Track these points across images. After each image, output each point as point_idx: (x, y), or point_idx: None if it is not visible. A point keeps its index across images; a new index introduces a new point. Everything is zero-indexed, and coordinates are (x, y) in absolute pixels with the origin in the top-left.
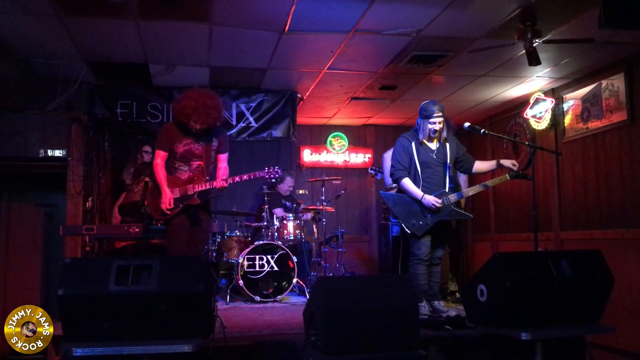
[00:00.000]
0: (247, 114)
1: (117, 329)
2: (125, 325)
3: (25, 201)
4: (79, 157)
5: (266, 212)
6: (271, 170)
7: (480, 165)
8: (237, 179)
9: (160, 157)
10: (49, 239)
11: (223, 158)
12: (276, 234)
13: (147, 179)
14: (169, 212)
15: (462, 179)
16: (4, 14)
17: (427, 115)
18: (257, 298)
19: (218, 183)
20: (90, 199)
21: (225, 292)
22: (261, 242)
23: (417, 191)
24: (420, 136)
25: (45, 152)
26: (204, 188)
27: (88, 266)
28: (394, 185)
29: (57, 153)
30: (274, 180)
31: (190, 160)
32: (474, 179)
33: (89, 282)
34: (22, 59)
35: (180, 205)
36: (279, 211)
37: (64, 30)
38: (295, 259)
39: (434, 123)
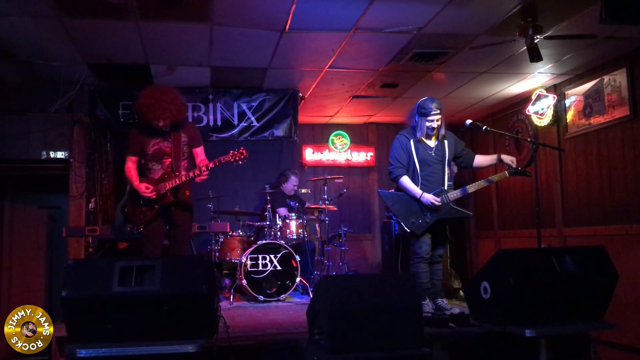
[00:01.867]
0: (249, 114)
1: (120, 329)
2: (128, 326)
3: (29, 203)
4: (81, 159)
5: (269, 212)
6: (236, 152)
7: (480, 160)
8: (203, 168)
9: (131, 162)
10: (52, 240)
11: (199, 152)
12: (279, 233)
13: None
14: (152, 195)
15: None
16: (5, 16)
17: (424, 113)
18: (261, 297)
19: (192, 173)
20: (92, 200)
21: (228, 291)
22: (264, 241)
23: (416, 189)
24: (418, 134)
25: (48, 154)
26: (175, 184)
27: (91, 267)
28: None
29: (60, 155)
30: (240, 162)
31: (161, 158)
32: (477, 173)
33: (92, 283)
34: (24, 61)
35: (156, 207)
36: (282, 210)
37: (65, 32)
38: (298, 258)
39: (432, 121)
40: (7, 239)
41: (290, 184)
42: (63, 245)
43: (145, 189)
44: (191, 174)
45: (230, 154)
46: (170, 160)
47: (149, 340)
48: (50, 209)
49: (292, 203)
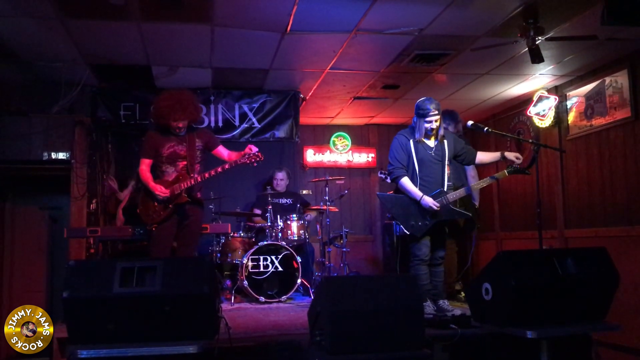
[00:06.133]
0: (250, 115)
1: (122, 330)
2: (130, 327)
3: (30, 204)
4: (83, 160)
5: (270, 213)
6: (252, 155)
7: (483, 157)
8: (219, 169)
9: (145, 164)
10: (54, 241)
11: (221, 150)
12: (280, 234)
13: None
14: (166, 194)
15: (471, 174)
16: (7, 17)
17: (423, 114)
18: (262, 298)
19: (200, 177)
20: (94, 201)
21: (229, 293)
22: (265, 242)
23: (416, 191)
24: (417, 135)
25: (49, 155)
26: (189, 185)
27: (92, 268)
28: None
29: (61, 156)
30: (255, 164)
31: (175, 161)
32: (480, 171)
33: (93, 284)
34: (25, 62)
35: (170, 206)
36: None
37: (67, 33)
38: (299, 259)
39: (431, 122)
40: (9, 240)
41: (276, 181)
42: (64, 246)
43: (161, 191)
44: (206, 175)
45: (247, 156)
46: (184, 163)
47: (150, 341)
48: (52, 210)
49: (283, 201)
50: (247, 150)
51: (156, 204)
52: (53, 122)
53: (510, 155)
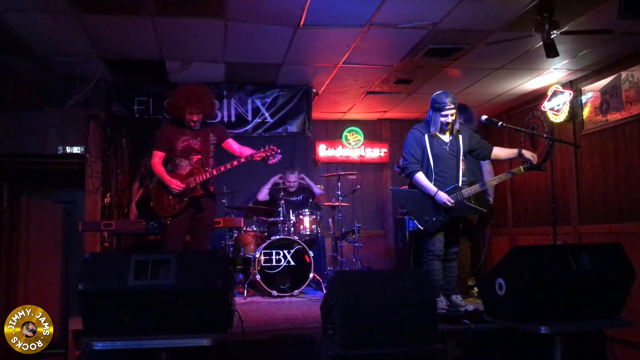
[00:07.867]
0: (263, 110)
1: (136, 323)
2: (144, 320)
3: (45, 198)
4: (97, 154)
5: (282, 207)
6: (267, 149)
7: (499, 152)
8: (235, 163)
9: (158, 157)
10: (69, 235)
11: (231, 143)
12: (292, 228)
13: None
14: (180, 188)
15: (486, 169)
16: (22, 12)
17: (438, 108)
18: (274, 292)
19: (216, 170)
20: (108, 195)
21: (242, 286)
22: (278, 237)
23: (430, 187)
24: (432, 129)
25: (64, 149)
26: (204, 178)
27: (107, 261)
28: None
29: (76, 150)
30: (270, 162)
31: (189, 154)
32: (494, 166)
33: (108, 276)
34: (40, 57)
35: (185, 199)
36: (261, 195)
37: (81, 28)
38: (311, 253)
39: (446, 115)
40: (24, 233)
41: (287, 183)
42: (79, 240)
43: (176, 184)
44: (222, 168)
45: (264, 153)
46: (199, 157)
47: (164, 333)
48: (66, 203)
49: (294, 198)
50: (272, 149)
51: (171, 197)
52: (68, 117)
53: (527, 153)
